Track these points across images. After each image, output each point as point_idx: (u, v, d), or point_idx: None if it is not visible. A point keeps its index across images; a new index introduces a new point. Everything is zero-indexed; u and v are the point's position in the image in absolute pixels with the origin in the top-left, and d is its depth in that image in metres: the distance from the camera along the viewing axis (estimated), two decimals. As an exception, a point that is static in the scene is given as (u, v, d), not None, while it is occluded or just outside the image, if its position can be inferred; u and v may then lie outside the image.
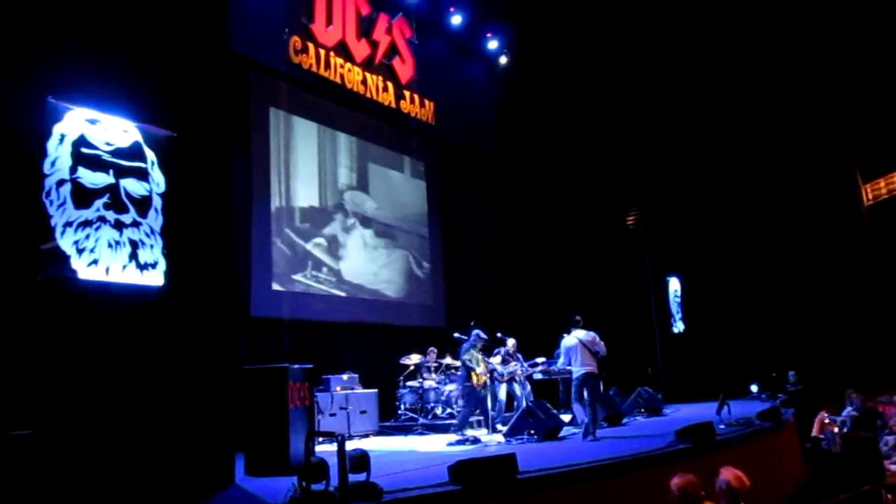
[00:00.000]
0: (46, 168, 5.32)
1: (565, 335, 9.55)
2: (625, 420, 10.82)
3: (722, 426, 8.87)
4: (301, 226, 12.03)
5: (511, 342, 11.19)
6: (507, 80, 16.73)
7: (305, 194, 12.26)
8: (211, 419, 5.82)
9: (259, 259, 11.12)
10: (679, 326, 16.87)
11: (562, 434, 9.14)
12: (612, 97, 16.11)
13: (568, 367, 9.51)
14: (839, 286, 16.17)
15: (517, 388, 11.11)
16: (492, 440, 9.03)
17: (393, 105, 13.89)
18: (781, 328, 16.06)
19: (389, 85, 13.82)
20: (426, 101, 14.68)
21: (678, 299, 17.03)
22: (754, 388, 14.63)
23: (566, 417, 10.01)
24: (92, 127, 5.66)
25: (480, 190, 15.99)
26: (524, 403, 10.37)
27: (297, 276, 11.81)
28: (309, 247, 12.11)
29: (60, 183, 5.38)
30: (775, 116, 16.52)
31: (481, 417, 10.90)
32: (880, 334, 15.53)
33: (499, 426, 9.98)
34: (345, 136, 13.34)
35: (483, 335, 10.34)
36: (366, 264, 13.30)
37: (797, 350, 15.54)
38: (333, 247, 12.62)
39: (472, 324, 11.55)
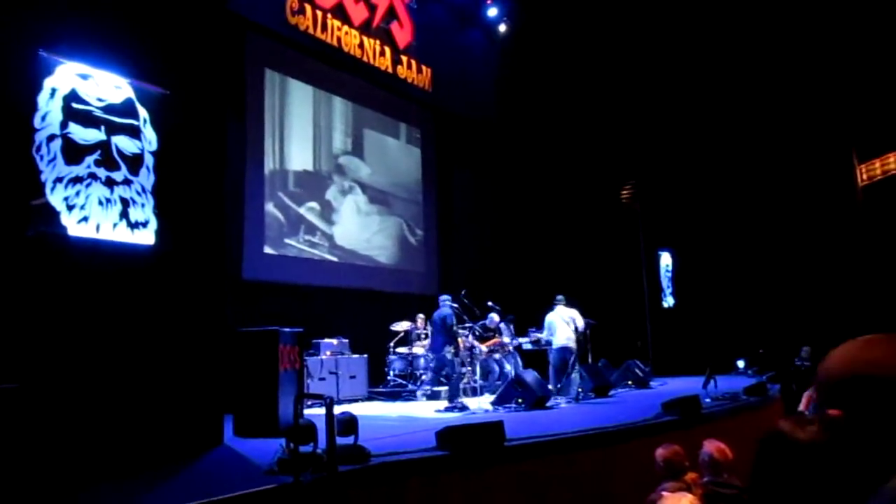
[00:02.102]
0: (37, 122, 5.25)
1: (552, 310, 10.31)
2: (612, 392, 10.92)
3: (708, 400, 8.97)
4: (295, 190, 11.97)
5: (494, 316, 11.13)
6: (506, 48, 16.56)
7: (300, 158, 12.17)
8: (200, 379, 5.82)
9: (252, 222, 11.07)
10: (669, 301, 16.98)
11: (549, 404, 9.21)
12: (610, 70, 15.99)
13: (550, 340, 10.28)
14: (830, 265, 16.23)
15: (505, 360, 11.18)
16: (480, 408, 9.09)
17: (390, 70, 13.74)
18: (770, 305, 16.15)
19: (387, 49, 13.66)
20: (423, 68, 14.53)
21: (669, 274, 17.11)
22: (741, 364, 14.77)
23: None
24: (84, 82, 5.58)
25: (476, 159, 15.91)
26: (513, 373, 10.47)
27: (290, 241, 11.78)
28: (302, 211, 12.06)
29: (51, 138, 5.31)
30: (773, 95, 16.44)
31: (475, 385, 11.00)
32: (867, 314, 15.64)
33: (486, 395, 10.09)
34: (340, 101, 13.21)
35: (453, 303, 10.35)
36: (359, 230, 13.26)
37: (785, 328, 15.65)
38: (327, 212, 12.57)
39: (462, 293, 11.57)
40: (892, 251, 15.92)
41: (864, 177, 17.12)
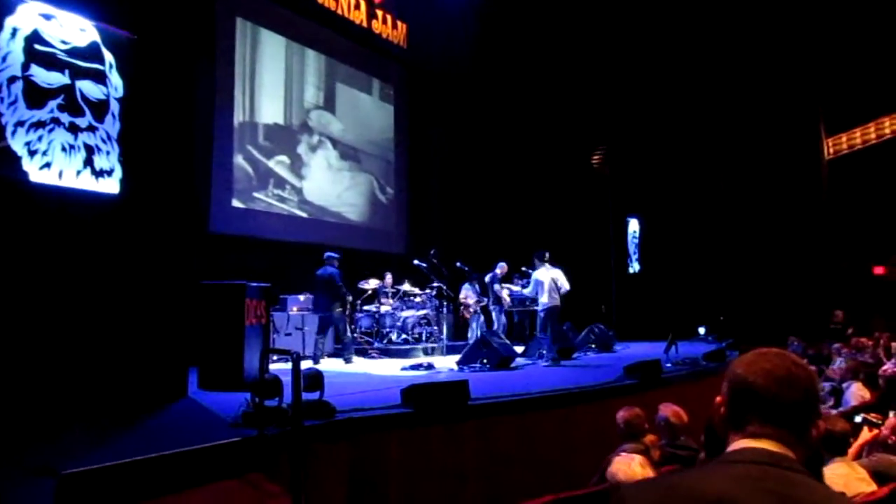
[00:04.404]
0: (-3, 63, 5.07)
1: (537, 267, 10.02)
2: (576, 354, 11.05)
3: (669, 365, 9.15)
4: (264, 143, 11.78)
5: (503, 265, 11.23)
6: (483, 7, 16.30)
7: (270, 111, 11.96)
8: (165, 331, 5.77)
9: (219, 174, 10.89)
10: (635, 267, 17.20)
11: (514, 364, 9.32)
12: (585, 35, 15.88)
13: (534, 298, 10.13)
14: (794, 237, 16.54)
15: (473, 319, 11.30)
16: (446, 367, 9.17)
17: (364, 24, 13.49)
18: (732, 274, 16.45)
19: (362, 3, 13.38)
20: (399, 23, 14.29)
21: (636, 240, 17.30)
22: (702, 330, 15.06)
23: (518, 349, 10.20)
24: (47, 23, 5.38)
25: (449, 118, 15.76)
26: (478, 333, 10.57)
27: (259, 195, 11.63)
28: (271, 164, 11.89)
29: (12, 80, 5.14)
30: (744, 66, 16.49)
31: (436, 345, 11.10)
32: (825, 284, 16.04)
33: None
34: (313, 54, 12.95)
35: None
36: (329, 186, 13.14)
37: (744, 296, 15.97)
38: (297, 166, 12.42)
39: (431, 252, 11.60)
40: (854, 224, 16.28)
41: (831, 150, 17.38)
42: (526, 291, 10.45)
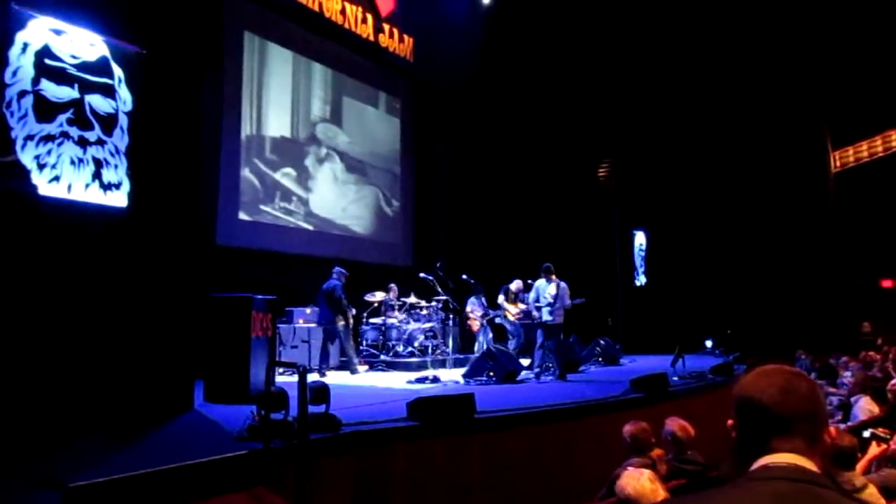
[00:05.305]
0: (7, 77, 5.11)
1: (553, 280, 9.67)
2: (582, 368, 11.01)
3: (675, 378, 9.10)
4: (271, 156, 11.82)
5: (518, 281, 11.18)
6: (489, 20, 16.38)
7: (277, 124, 12.02)
8: (171, 344, 5.78)
9: (227, 187, 10.93)
10: (641, 280, 17.14)
11: (520, 377, 9.29)
12: (591, 48, 15.94)
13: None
14: (801, 250, 16.49)
15: (480, 332, 11.28)
16: (452, 380, 9.14)
17: (371, 38, 13.56)
18: (740, 287, 16.40)
19: (369, 17, 13.46)
20: (405, 37, 14.36)
21: (643, 253, 17.26)
22: (709, 344, 15.00)
23: (524, 362, 10.16)
24: (57, 38, 5.43)
25: (455, 131, 15.81)
26: (484, 347, 10.54)
27: (266, 207, 11.67)
28: (278, 177, 11.93)
29: (22, 94, 5.18)
30: (751, 78, 16.51)
31: (442, 357, 11.08)
32: (832, 297, 15.97)
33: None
34: (320, 67, 13.03)
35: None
36: (335, 199, 13.17)
37: (751, 309, 15.91)
38: (303, 178, 12.46)
39: (437, 265, 11.61)
40: (861, 237, 16.23)
41: (838, 163, 17.35)
42: (569, 301, 9.80)
